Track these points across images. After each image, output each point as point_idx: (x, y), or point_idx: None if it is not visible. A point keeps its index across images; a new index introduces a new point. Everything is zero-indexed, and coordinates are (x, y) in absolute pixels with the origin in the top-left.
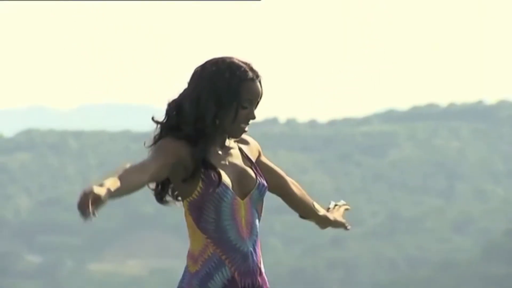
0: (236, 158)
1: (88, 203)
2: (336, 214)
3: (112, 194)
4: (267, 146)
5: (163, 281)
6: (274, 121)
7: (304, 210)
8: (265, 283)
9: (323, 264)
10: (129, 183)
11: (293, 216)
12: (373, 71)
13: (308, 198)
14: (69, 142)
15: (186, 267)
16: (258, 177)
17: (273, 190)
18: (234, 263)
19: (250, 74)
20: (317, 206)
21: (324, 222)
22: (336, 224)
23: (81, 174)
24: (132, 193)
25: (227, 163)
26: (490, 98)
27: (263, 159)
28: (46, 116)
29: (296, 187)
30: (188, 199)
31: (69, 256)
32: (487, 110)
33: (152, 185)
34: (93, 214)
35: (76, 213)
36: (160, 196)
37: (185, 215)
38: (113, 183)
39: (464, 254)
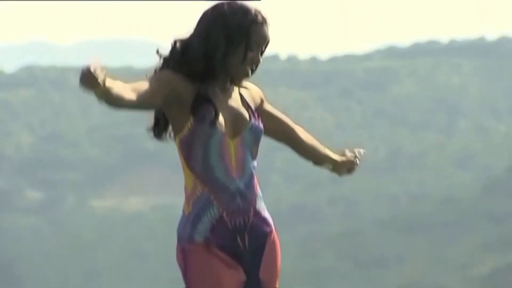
0: (234, 100)
1: (91, 74)
2: (348, 155)
3: (106, 88)
4: (268, 83)
5: (164, 217)
6: (275, 58)
7: (317, 157)
8: (265, 222)
9: (324, 200)
10: (119, 93)
11: (293, 152)
12: (374, 8)
13: (319, 144)
14: (70, 78)
15: (183, 209)
16: (252, 119)
17: (280, 138)
18: (222, 202)
19: (260, 18)
20: (328, 151)
21: (339, 166)
22: (349, 164)
23: (82, 111)
24: (117, 106)
25: (223, 103)
26: (492, 34)
27: (267, 106)
28: (46, 52)
29: (304, 134)
30: (179, 136)
31: (70, 192)
32: (488, 46)
33: (150, 120)
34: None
35: (78, 149)
36: (156, 131)
37: (178, 153)
38: (109, 81)
39: (465, 190)
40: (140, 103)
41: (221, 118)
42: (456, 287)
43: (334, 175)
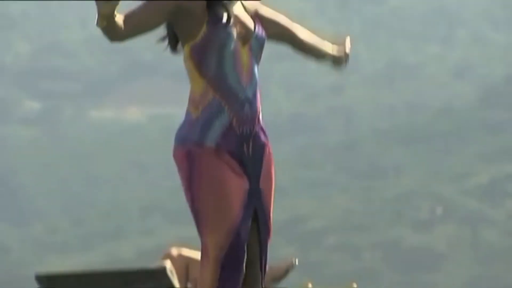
0: (236, 8)
1: None
2: (341, 48)
3: (114, 10)
4: None
5: (162, 128)
6: None
7: (317, 54)
8: (263, 132)
9: (323, 111)
10: (119, 22)
11: (293, 63)
12: None
13: (318, 40)
14: None
15: (188, 113)
16: (256, 27)
17: (280, 40)
18: (233, 109)
19: None
20: (328, 45)
21: (338, 59)
22: (346, 57)
23: (80, 21)
24: (116, 30)
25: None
26: None
27: (265, 12)
28: None
29: (303, 33)
30: (190, 43)
31: (68, 103)
32: None
33: (161, 34)
34: None
35: (76, 59)
36: (169, 43)
37: (185, 60)
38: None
39: (463, 100)
40: (141, 28)
41: (232, 24)
42: (454, 197)
43: (333, 86)
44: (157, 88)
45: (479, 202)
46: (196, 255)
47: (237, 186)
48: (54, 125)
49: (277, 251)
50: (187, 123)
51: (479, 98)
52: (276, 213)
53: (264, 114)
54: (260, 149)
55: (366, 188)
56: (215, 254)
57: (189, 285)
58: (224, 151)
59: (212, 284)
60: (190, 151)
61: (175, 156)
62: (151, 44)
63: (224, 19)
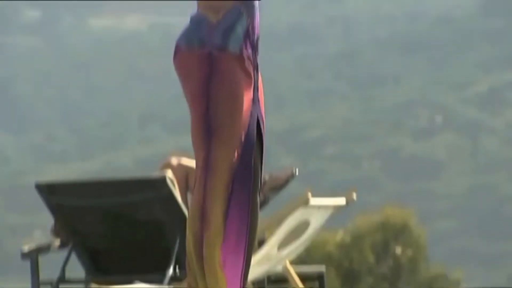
0: None
1: None
2: None
3: None
4: None
5: (162, 36)
6: None
7: None
8: (259, 39)
9: (323, 20)
10: None
11: None
12: None
13: None
14: None
15: (205, 17)
16: None
17: None
18: (250, 15)
19: None
20: None
21: None
22: None
23: None
24: None
25: None
26: None
27: None
28: None
29: None
30: None
31: (68, 11)
32: None
33: None
34: None
35: None
36: None
37: None
38: None
39: (463, 9)
40: None
41: None
42: (453, 106)
43: None
44: None
45: (478, 110)
46: None
47: (250, 94)
48: (54, 33)
49: (277, 161)
50: (206, 27)
51: (478, 6)
52: (276, 122)
53: (262, 23)
54: (257, 56)
55: (366, 97)
56: (228, 167)
57: (189, 194)
58: (244, 57)
59: (225, 198)
60: (211, 54)
61: (186, 58)
62: None
63: None
